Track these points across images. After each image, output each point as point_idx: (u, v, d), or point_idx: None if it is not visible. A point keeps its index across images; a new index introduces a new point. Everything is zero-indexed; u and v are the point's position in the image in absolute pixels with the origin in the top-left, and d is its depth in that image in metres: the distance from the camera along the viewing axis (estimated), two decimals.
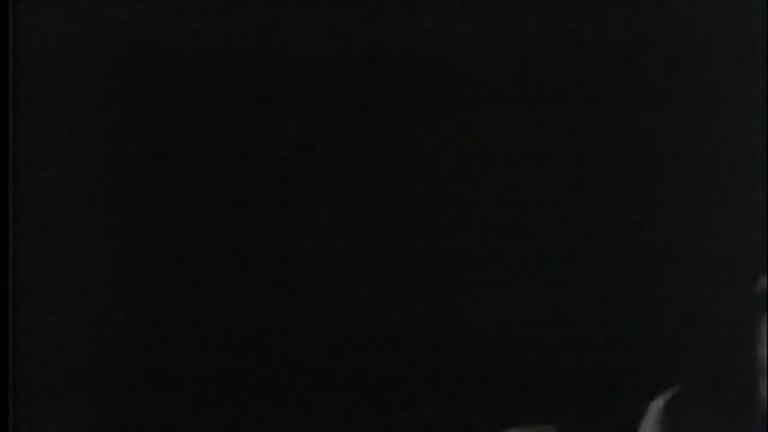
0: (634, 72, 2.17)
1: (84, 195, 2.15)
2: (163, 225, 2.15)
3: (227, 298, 2.15)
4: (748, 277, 2.12)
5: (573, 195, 2.16)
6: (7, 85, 2.12)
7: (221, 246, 2.15)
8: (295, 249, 2.16)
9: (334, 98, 2.17)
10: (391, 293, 2.15)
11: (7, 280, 2.09)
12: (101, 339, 2.14)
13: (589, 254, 2.16)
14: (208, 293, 2.15)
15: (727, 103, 2.17)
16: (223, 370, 2.14)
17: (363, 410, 2.13)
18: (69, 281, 2.13)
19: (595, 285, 2.15)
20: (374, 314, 2.15)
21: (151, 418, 2.12)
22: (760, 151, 2.15)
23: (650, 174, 2.17)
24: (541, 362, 2.14)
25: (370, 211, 2.17)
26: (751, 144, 2.15)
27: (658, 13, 2.18)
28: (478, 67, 2.18)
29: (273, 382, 2.14)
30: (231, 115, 2.17)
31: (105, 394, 2.13)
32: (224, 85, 2.17)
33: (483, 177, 2.17)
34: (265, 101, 2.17)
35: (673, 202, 2.16)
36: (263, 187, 2.16)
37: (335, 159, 2.17)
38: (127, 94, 2.16)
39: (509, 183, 2.17)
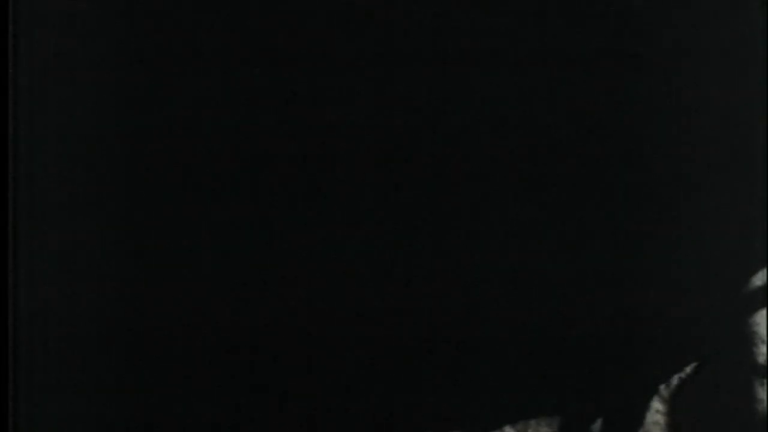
0: (635, 73, 2.18)
1: (85, 195, 2.16)
2: (163, 225, 2.16)
3: (227, 297, 2.15)
4: (748, 276, 2.11)
5: (578, 193, 2.16)
6: (7, 85, 2.12)
7: (220, 246, 2.16)
8: (295, 251, 2.16)
9: (334, 101, 2.18)
10: (398, 287, 2.15)
11: (7, 280, 2.10)
12: (101, 338, 2.14)
13: (590, 253, 2.16)
14: (208, 292, 2.15)
15: (728, 102, 2.17)
16: (222, 367, 2.14)
17: (360, 399, 2.13)
18: (69, 281, 2.14)
19: (596, 283, 2.15)
20: (376, 308, 2.15)
21: (150, 417, 2.13)
22: (760, 150, 2.14)
23: (651, 173, 2.17)
24: (543, 359, 2.14)
25: (377, 210, 2.17)
26: (750, 143, 2.15)
27: (660, 15, 2.18)
28: (479, 71, 2.18)
29: (272, 381, 2.14)
30: (234, 116, 2.17)
31: (104, 393, 2.13)
32: (227, 87, 2.17)
33: (488, 174, 2.17)
34: (268, 100, 2.17)
35: (673, 202, 2.16)
36: (264, 187, 2.17)
37: (335, 161, 2.18)
38: (129, 94, 2.17)
39: (521, 179, 2.17)
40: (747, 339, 2.07)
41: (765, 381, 2.04)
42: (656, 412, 2.06)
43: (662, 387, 2.08)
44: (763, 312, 2.08)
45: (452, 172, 2.17)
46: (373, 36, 2.18)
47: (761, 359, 2.06)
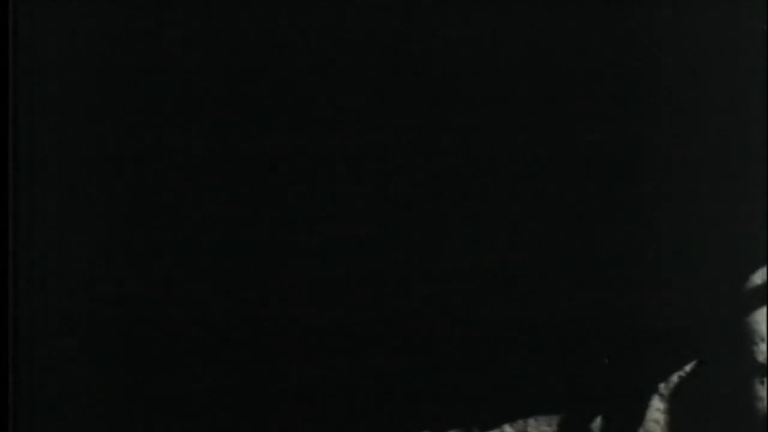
0: (635, 73, 2.17)
1: (85, 195, 2.16)
2: (163, 225, 2.16)
3: (227, 297, 2.15)
4: (748, 275, 2.11)
5: (578, 193, 2.16)
6: (7, 87, 2.12)
7: (220, 246, 2.16)
8: (295, 251, 2.16)
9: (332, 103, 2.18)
10: (396, 286, 2.15)
11: (7, 280, 2.10)
12: (101, 338, 2.14)
13: (590, 253, 2.15)
14: (208, 292, 2.15)
15: (728, 102, 2.17)
16: (223, 367, 2.14)
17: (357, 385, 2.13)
18: (69, 281, 2.14)
19: (596, 283, 2.14)
20: (374, 308, 2.15)
21: (150, 417, 2.13)
22: (760, 150, 2.14)
23: (650, 173, 2.16)
24: (542, 359, 2.13)
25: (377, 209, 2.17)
26: (751, 142, 2.15)
27: (659, 14, 2.18)
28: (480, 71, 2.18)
29: (272, 380, 2.14)
30: (231, 120, 2.17)
31: (103, 392, 2.13)
32: (228, 86, 2.17)
33: (489, 173, 2.17)
34: (267, 105, 2.17)
35: (673, 201, 2.16)
36: (264, 187, 2.16)
37: (335, 162, 2.18)
38: (130, 94, 2.17)
39: (520, 178, 2.17)
40: (747, 337, 2.07)
41: (765, 379, 2.04)
42: (656, 410, 2.05)
43: (662, 385, 2.07)
44: (763, 310, 2.07)
45: (451, 170, 2.17)
46: (371, 32, 2.18)
47: (761, 357, 2.05)
